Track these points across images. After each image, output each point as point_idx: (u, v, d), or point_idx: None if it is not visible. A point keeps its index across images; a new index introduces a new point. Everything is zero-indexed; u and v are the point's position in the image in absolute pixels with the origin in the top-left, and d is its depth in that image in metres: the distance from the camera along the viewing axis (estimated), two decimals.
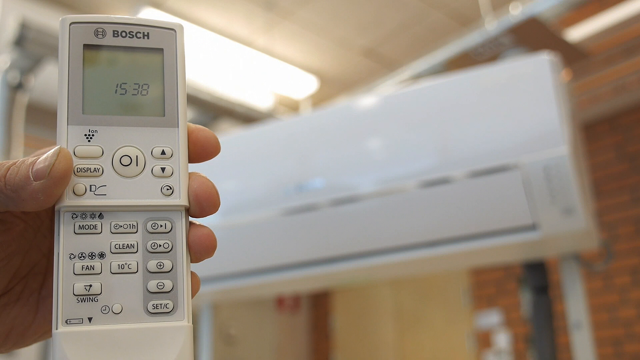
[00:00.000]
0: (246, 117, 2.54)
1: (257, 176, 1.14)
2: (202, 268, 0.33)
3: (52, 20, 3.18)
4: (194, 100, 2.29)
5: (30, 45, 1.75)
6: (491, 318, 4.08)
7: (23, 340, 0.33)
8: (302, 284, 1.25)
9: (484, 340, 4.10)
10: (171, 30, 0.32)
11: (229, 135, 1.26)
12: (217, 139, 0.32)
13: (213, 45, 3.74)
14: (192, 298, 0.30)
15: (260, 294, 1.34)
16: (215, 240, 0.31)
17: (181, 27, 0.32)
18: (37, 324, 0.33)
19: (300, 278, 1.11)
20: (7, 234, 0.31)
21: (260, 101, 4.08)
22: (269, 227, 1.09)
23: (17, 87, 1.82)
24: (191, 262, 0.31)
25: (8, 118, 1.78)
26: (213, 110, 2.42)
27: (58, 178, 0.28)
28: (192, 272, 0.31)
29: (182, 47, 0.32)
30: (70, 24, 0.31)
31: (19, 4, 3.18)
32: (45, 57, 1.80)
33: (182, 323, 0.29)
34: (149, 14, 3.34)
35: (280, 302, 5.24)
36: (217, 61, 3.91)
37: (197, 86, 3.21)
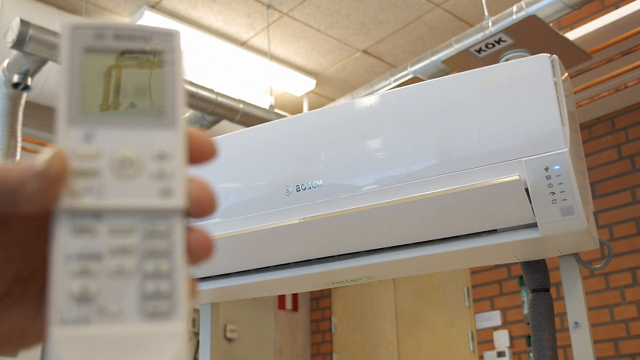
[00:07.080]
0: (246, 117, 2.54)
1: (257, 176, 1.14)
2: (203, 268, 0.33)
3: (53, 21, 3.18)
4: (194, 100, 2.29)
5: (31, 46, 1.75)
6: (491, 318, 4.08)
7: (23, 343, 0.33)
8: (302, 283, 1.25)
9: (484, 340, 4.10)
10: (170, 35, 0.33)
11: (229, 135, 1.26)
12: (214, 143, 0.32)
13: (213, 45, 3.74)
14: (189, 301, 0.30)
15: (260, 293, 1.34)
16: (213, 243, 0.31)
17: (179, 32, 0.34)
18: (37, 327, 0.33)
19: (300, 278, 1.11)
20: (7, 235, 0.31)
21: (260, 101, 4.08)
22: (269, 227, 1.09)
23: (17, 87, 1.82)
24: (189, 265, 0.31)
25: (8, 118, 1.78)
26: (213, 110, 2.43)
27: (53, 179, 0.28)
28: (189, 275, 0.31)
29: (181, 51, 0.33)
30: (71, 28, 0.32)
31: (19, 4, 3.18)
32: (45, 58, 1.80)
33: (178, 325, 0.29)
34: (148, 15, 3.34)
35: (280, 302, 5.24)
36: (217, 61, 3.91)
37: (197, 86, 3.21)
